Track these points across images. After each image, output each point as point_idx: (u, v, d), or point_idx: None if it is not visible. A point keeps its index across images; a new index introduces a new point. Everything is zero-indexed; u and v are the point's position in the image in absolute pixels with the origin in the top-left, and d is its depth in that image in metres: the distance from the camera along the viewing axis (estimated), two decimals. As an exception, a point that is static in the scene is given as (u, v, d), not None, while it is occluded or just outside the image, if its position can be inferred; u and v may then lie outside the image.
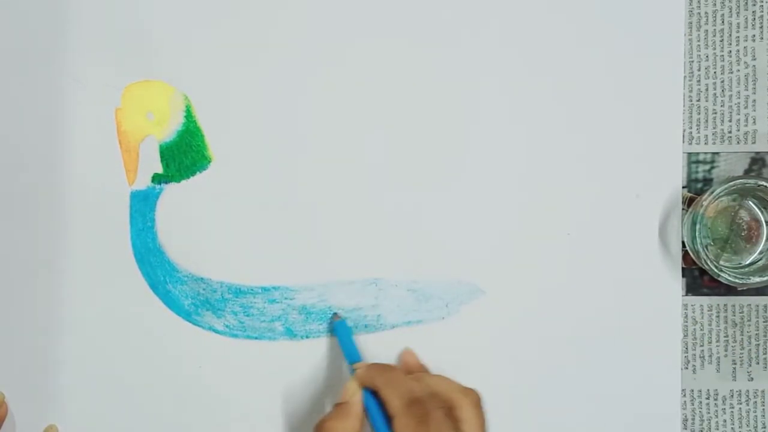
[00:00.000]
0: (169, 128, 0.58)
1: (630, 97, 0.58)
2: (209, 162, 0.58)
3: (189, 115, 0.58)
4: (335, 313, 0.58)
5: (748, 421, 0.58)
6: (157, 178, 0.58)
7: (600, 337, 0.58)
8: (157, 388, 0.58)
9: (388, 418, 0.51)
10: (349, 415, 0.51)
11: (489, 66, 0.58)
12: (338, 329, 0.57)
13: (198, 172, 0.58)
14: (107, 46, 0.58)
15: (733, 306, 0.58)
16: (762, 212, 0.57)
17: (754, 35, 0.58)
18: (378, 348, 0.58)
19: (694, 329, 0.58)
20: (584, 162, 0.58)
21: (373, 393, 0.52)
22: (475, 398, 0.52)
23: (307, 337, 0.58)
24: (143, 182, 0.58)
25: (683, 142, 0.58)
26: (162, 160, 0.58)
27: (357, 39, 0.58)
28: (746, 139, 0.58)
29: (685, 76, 0.58)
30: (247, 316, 0.58)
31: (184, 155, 0.58)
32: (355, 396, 0.52)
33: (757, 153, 0.58)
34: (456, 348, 0.58)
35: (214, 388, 0.58)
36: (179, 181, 0.58)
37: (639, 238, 0.58)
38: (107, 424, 0.58)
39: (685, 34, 0.58)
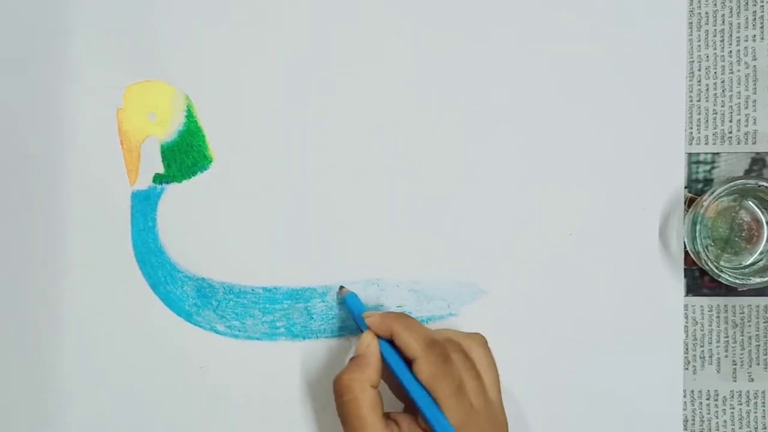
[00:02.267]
0: (170, 128, 0.58)
1: (632, 98, 0.58)
2: (210, 162, 0.58)
3: (190, 115, 0.58)
4: (342, 287, 0.58)
5: (749, 421, 0.58)
6: (158, 178, 0.58)
7: (602, 337, 0.58)
8: (158, 389, 0.58)
9: (408, 363, 0.51)
10: (367, 366, 0.51)
11: (490, 68, 0.58)
12: (348, 300, 0.57)
13: (199, 172, 0.58)
14: (108, 46, 0.58)
15: (734, 307, 0.58)
16: (762, 213, 0.57)
17: (754, 35, 0.58)
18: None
19: (695, 330, 0.58)
20: (586, 163, 0.58)
21: (388, 342, 0.52)
22: (482, 340, 0.53)
23: (308, 337, 0.58)
24: (144, 182, 0.58)
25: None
26: (163, 160, 0.58)
27: (360, 38, 0.58)
28: (747, 139, 0.58)
29: (685, 77, 0.58)
30: (249, 316, 0.58)
31: (185, 155, 0.58)
32: (371, 346, 0.51)
33: (758, 153, 0.58)
34: (457, 348, 0.58)
35: (216, 389, 0.58)
36: (180, 181, 0.58)
37: (641, 239, 0.58)
38: (108, 424, 0.58)
39: (685, 35, 0.58)
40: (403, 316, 0.52)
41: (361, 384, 0.50)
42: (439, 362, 0.50)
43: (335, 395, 0.51)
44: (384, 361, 0.51)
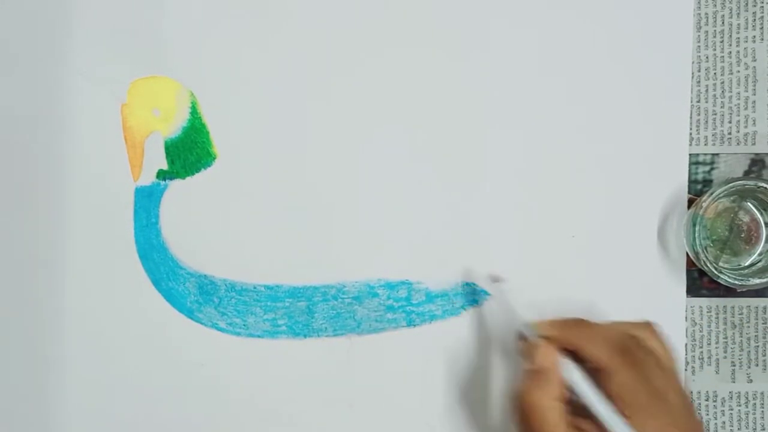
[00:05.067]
0: (174, 124, 0.58)
1: (636, 100, 0.58)
2: (214, 159, 0.58)
3: (194, 111, 0.58)
4: (492, 277, 0.56)
5: (747, 422, 0.58)
6: (161, 174, 0.58)
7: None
8: (159, 386, 0.58)
9: (592, 372, 0.47)
10: (550, 381, 0.47)
11: (493, 70, 0.58)
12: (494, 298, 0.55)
13: (203, 169, 0.58)
14: (113, 41, 0.58)
15: (732, 307, 0.58)
16: (761, 213, 0.57)
17: (754, 36, 0.58)
18: (381, 349, 0.58)
19: (693, 330, 0.58)
20: (589, 165, 0.58)
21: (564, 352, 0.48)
22: (653, 328, 0.49)
23: (309, 336, 0.58)
24: (148, 178, 0.58)
25: (683, 143, 0.59)
26: (167, 157, 0.58)
27: (365, 36, 0.58)
28: (746, 140, 0.58)
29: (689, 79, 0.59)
30: (250, 314, 0.58)
31: (189, 152, 0.58)
32: (550, 357, 0.47)
33: (757, 154, 0.58)
34: (460, 349, 0.58)
35: (216, 386, 0.58)
36: (184, 178, 0.58)
37: (644, 241, 0.58)
38: (108, 420, 0.58)
39: (691, 37, 0.58)
40: (582, 324, 0.49)
41: (549, 402, 0.46)
42: (631, 370, 0.46)
43: (518, 413, 0.47)
44: None
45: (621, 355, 0.47)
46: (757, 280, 0.55)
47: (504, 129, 0.58)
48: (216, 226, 0.58)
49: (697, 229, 0.55)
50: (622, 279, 0.58)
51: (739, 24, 0.58)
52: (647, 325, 0.49)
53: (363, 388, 0.58)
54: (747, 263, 0.57)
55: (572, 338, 0.48)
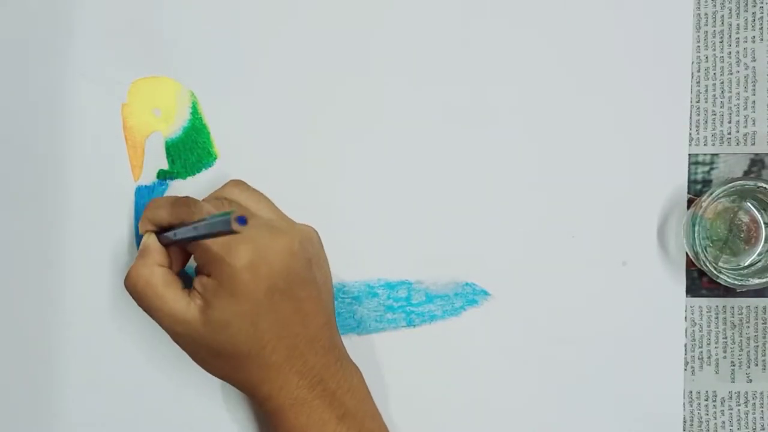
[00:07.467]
0: (175, 124, 0.58)
1: (635, 100, 0.58)
2: (215, 159, 0.58)
3: (195, 111, 0.58)
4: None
5: (747, 422, 0.58)
6: (162, 175, 0.58)
7: (602, 339, 0.58)
8: (159, 385, 0.58)
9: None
10: (147, 252, 0.52)
11: (493, 67, 0.58)
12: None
13: (203, 169, 0.58)
14: (114, 41, 0.58)
15: (732, 308, 0.58)
16: (761, 214, 0.57)
17: (753, 36, 0.58)
18: (381, 349, 0.58)
19: (693, 330, 0.58)
20: (588, 164, 0.58)
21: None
22: (234, 181, 0.55)
23: (309, 335, 0.58)
24: (148, 178, 0.58)
25: (683, 143, 0.59)
26: (168, 157, 0.58)
27: (365, 36, 0.59)
28: (745, 140, 0.58)
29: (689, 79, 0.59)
30: (250, 314, 0.58)
31: (189, 152, 0.58)
32: (148, 238, 0.53)
33: (757, 154, 0.59)
34: (459, 349, 0.58)
35: (216, 386, 0.58)
36: (185, 178, 0.58)
37: (643, 240, 0.58)
38: (107, 421, 0.58)
39: (691, 37, 0.58)
40: (150, 203, 0.53)
41: (148, 268, 0.51)
42: (180, 206, 0.51)
43: (132, 294, 0.52)
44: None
45: (173, 206, 0.51)
46: (757, 280, 0.55)
47: (503, 129, 0.58)
48: (216, 226, 0.58)
49: (696, 229, 0.55)
50: (622, 279, 0.58)
51: (738, 24, 0.58)
52: (229, 182, 0.55)
53: (363, 388, 0.58)
54: (746, 263, 0.57)
55: (152, 216, 0.53)
